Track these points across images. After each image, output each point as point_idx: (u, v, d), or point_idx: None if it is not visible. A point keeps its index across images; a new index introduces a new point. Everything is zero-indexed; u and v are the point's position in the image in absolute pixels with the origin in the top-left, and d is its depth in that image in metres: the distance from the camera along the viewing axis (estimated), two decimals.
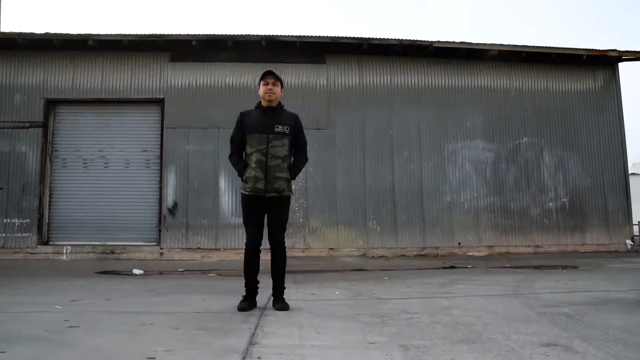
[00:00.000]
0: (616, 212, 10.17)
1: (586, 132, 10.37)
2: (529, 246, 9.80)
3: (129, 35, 9.37)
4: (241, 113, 4.21)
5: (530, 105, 10.31)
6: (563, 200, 10.09)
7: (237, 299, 4.05)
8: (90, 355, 2.60)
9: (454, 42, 9.82)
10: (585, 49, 10.12)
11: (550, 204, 10.05)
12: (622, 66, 11.64)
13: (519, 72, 10.38)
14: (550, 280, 5.81)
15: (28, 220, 9.24)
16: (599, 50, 10.20)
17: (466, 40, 9.95)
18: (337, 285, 5.67)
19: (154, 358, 2.51)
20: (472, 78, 10.26)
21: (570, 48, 10.14)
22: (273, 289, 4.11)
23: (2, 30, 9.99)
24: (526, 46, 10.02)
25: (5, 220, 9.21)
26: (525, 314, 3.66)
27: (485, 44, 9.90)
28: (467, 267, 7.68)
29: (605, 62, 10.51)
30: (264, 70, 4.17)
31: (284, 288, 4.14)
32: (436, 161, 9.93)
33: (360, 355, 2.60)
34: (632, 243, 10.06)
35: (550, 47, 10.10)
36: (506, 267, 7.57)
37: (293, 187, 4.26)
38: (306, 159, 4.30)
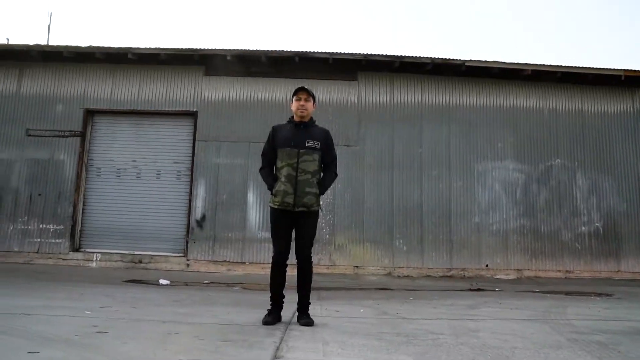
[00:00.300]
0: None
1: (622, 155, 10.07)
2: (559, 271, 9.51)
3: (167, 49, 9.65)
4: (273, 127, 4.27)
5: (563, 126, 10.11)
6: (597, 224, 9.78)
7: (261, 313, 4.07)
8: None
9: (486, 61, 9.75)
10: (624, 70, 9.87)
11: (583, 228, 9.75)
12: None
13: (552, 92, 10.20)
14: (582, 307, 5.63)
15: (62, 227, 9.51)
16: (638, 70, 9.93)
17: (499, 60, 9.82)
18: (362, 303, 5.63)
19: None
20: (504, 97, 10.14)
21: (607, 69, 9.92)
22: (298, 303, 4.11)
23: (50, 43, 10.41)
24: (561, 66, 9.85)
25: (41, 226, 9.50)
26: (556, 340, 3.55)
27: (519, 64, 9.79)
28: (495, 290, 7.50)
29: None
30: (296, 86, 4.23)
31: (309, 303, 4.14)
32: (465, 181, 9.80)
33: None
34: None
35: (586, 67, 9.90)
36: (535, 292, 7.37)
37: (321, 202, 4.27)
38: (336, 175, 4.32)
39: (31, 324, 3.56)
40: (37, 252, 9.36)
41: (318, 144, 4.09)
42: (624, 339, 3.62)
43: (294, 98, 4.17)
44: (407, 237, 9.52)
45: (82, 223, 9.72)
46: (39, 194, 9.60)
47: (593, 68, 9.92)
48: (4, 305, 4.41)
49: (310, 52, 9.63)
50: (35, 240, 9.44)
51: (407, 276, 9.26)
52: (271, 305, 4.07)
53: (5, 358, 2.57)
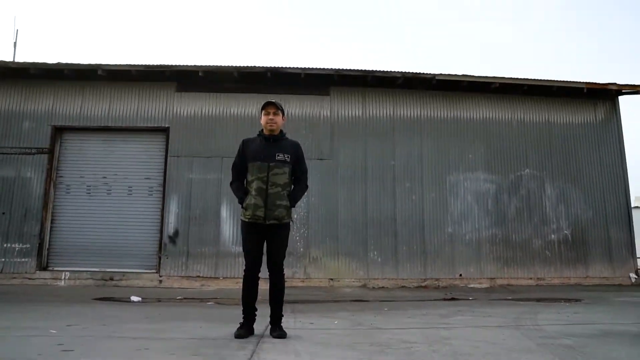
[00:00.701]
0: (619, 245, 10.09)
1: (588, 164, 10.40)
2: (531, 278, 9.69)
3: (137, 65, 9.57)
4: (243, 141, 4.27)
5: (532, 137, 10.39)
6: (565, 232, 10.03)
7: (234, 327, 4.02)
8: None
9: (456, 74, 9.97)
10: (586, 82, 10.25)
11: (553, 236, 9.99)
12: (622, 100, 11.79)
13: (520, 105, 10.50)
14: (552, 313, 5.74)
15: (28, 245, 9.23)
16: (599, 83, 10.33)
17: (468, 73, 10.07)
18: (336, 315, 5.61)
19: None
20: (474, 110, 10.38)
21: (570, 81, 10.28)
22: (271, 316, 4.08)
23: (16, 60, 10.21)
24: (527, 79, 10.16)
25: (5, 245, 9.21)
26: (526, 345, 3.61)
27: (487, 77, 10.05)
28: (469, 299, 7.58)
29: (605, 95, 10.63)
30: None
31: (282, 316, 4.11)
32: (438, 192, 9.94)
33: None
34: (636, 277, 9.94)
35: (551, 80, 10.24)
36: (508, 300, 7.48)
37: (294, 216, 4.27)
38: (306, 187, 4.33)
39: None
40: (0, 272, 9.05)
41: (288, 157, 4.10)
42: (590, 342, 3.70)
43: (263, 112, 4.18)
44: (381, 248, 9.57)
45: (49, 241, 9.45)
46: (3, 213, 9.32)
47: (557, 81, 10.26)
48: None
49: (282, 67, 9.69)
50: None
51: (382, 287, 9.28)
52: (243, 318, 4.03)
53: None
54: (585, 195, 10.24)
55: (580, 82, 10.27)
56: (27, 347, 3.36)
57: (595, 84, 10.31)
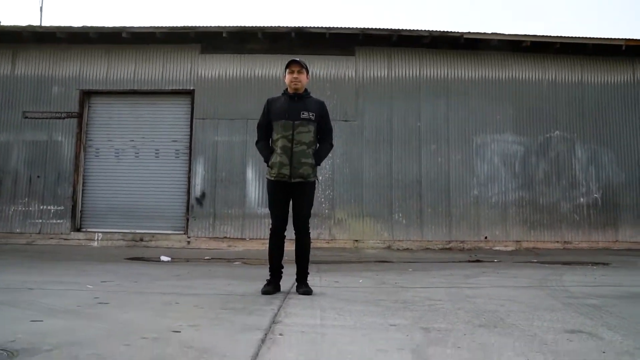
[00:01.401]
0: None
1: (623, 126, 10.03)
2: (557, 242, 9.57)
3: (162, 27, 9.54)
4: (268, 100, 4.26)
5: (563, 98, 10.04)
6: (595, 195, 9.81)
7: (261, 284, 4.12)
8: (119, 327, 2.70)
9: (485, 33, 9.63)
10: (625, 39, 9.74)
11: (582, 199, 9.78)
12: None
13: (551, 64, 10.12)
14: (579, 275, 5.69)
15: (62, 208, 9.56)
16: (639, 40, 9.81)
17: (497, 32, 9.71)
18: (361, 274, 5.69)
19: (179, 332, 2.59)
20: (503, 70, 10.06)
21: (608, 38, 9.79)
22: (297, 274, 4.16)
23: (43, 24, 10.30)
24: (560, 37, 9.73)
25: (41, 207, 9.55)
26: (551, 304, 3.60)
27: (517, 35, 9.68)
28: (494, 261, 7.57)
29: None
30: None
31: (308, 273, 4.19)
32: (464, 154, 9.79)
33: (381, 334, 2.62)
34: None
35: (586, 38, 9.78)
36: (533, 262, 7.43)
37: (319, 177, 4.28)
38: (332, 146, 4.32)
39: (34, 297, 3.62)
40: (38, 233, 9.43)
41: (313, 115, 4.08)
42: (617, 302, 3.67)
43: (287, 71, 4.15)
44: (406, 210, 9.56)
45: (82, 203, 9.76)
46: (38, 176, 9.63)
47: (593, 38, 9.81)
48: (8, 281, 4.47)
49: (306, 27, 9.53)
50: (37, 221, 9.50)
51: (407, 249, 9.33)
52: (270, 275, 4.13)
53: (9, 326, 2.62)
54: (618, 158, 9.93)
55: (618, 39, 9.79)
56: (67, 299, 3.53)
57: (636, 40, 9.79)
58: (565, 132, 9.96)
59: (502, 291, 4.35)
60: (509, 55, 10.05)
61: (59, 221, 9.52)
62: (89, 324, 2.78)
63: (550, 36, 9.75)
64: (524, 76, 10.09)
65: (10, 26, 9.78)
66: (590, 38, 9.80)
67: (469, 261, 7.65)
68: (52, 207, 9.57)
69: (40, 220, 9.50)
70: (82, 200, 9.76)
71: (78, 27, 9.57)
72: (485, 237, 9.54)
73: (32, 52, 10.00)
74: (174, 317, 3.01)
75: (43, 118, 9.80)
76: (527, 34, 9.75)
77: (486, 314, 3.19)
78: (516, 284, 4.84)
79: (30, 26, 9.69)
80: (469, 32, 9.56)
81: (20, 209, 9.55)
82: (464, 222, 9.57)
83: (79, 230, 9.62)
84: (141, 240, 9.37)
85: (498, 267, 6.64)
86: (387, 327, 2.79)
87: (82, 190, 9.79)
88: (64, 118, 9.80)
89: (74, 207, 9.57)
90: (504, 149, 9.85)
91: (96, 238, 9.43)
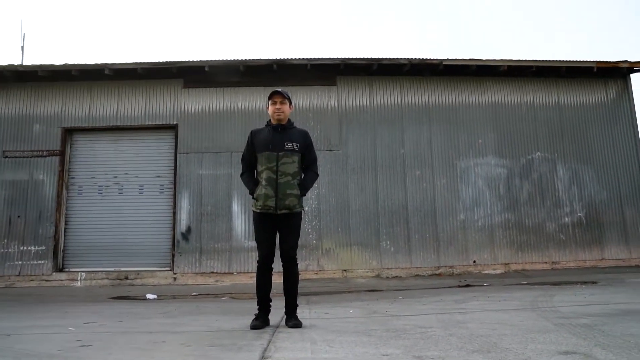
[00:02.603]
0: (635, 225, 9.95)
1: (600, 145, 10.25)
2: (545, 262, 9.61)
3: (143, 63, 9.59)
4: (252, 131, 4.25)
5: (542, 119, 10.26)
6: (579, 214, 9.92)
7: (250, 319, 4.03)
8: None
9: (463, 59, 9.87)
10: (596, 61, 10.08)
11: (566, 218, 9.88)
12: (635, 77, 11.60)
13: (529, 87, 10.37)
14: (569, 295, 5.69)
15: (44, 247, 9.34)
16: (609, 62, 10.15)
17: (475, 57, 9.96)
18: (351, 304, 5.61)
19: None
20: (482, 94, 10.27)
21: (580, 61, 10.12)
22: (286, 307, 4.08)
23: (24, 63, 10.29)
24: (535, 60, 10.01)
25: (22, 248, 9.33)
26: (543, 326, 3.58)
27: (494, 60, 9.93)
28: (484, 285, 7.55)
29: (616, 74, 10.46)
30: None
31: (297, 306, 4.12)
32: (449, 179, 9.87)
33: None
34: None
35: (559, 61, 10.09)
36: (523, 284, 7.43)
37: (306, 208, 4.26)
38: (317, 175, 4.31)
39: (10, 343, 3.47)
40: (18, 275, 9.18)
41: (297, 146, 4.08)
42: (608, 320, 3.66)
43: (270, 102, 4.16)
44: (394, 237, 9.54)
45: (64, 243, 9.56)
46: (18, 216, 9.44)
47: (566, 61, 10.11)
48: None
49: (288, 59, 9.66)
50: (17, 262, 9.26)
51: (396, 277, 9.26)
52: (258, 309, 4.04)
53: None
54: (598, 176, 10.11)
55: (590, 62, 10.11)
56: (48, 344, 3.40)
57: (606, 62, 10.14)
58: (546, 153, 10.13)
59: (493, 315, 4.31)
60: (487, 80, 10.30)
61: (40, 262, 9.29)
62: None
63: (526, 60, 10.03)
64: (503, 100, 10.31)
65: None
66: (563, 61, 10.10)
67: (459, 286, 7.61)
68: (32, 248, 9.35)
69: (20, 262, 9.26)
70: (64, 239, 9.57)
71: (60, 65, 9.57)
72: (474, 261, 9.53)
73: (13, 91, 9.96)
74: (161, 356, 2.91)
75: (24, 157, 9.68)
76: (504, 58, 10.01)
77: (479, 338, 3.15)
78: (507, 307, 4.81)
79: (11, 65, 9.65)
80: (448, 59, 9.78)
81: None
82: (452, 247, 9.57)
83: (61, 270, 9.39)
84: (126, 278, 9.17)
85: (488, 291, 6.61)
86: (379, 356, 2.73)
87: (65, 229, 9.60)
88: (45, 156, 9.69)
89: (55, 246, 9.37)
90: (488, 172, 9.96)
91: (79, 278, 9.20)
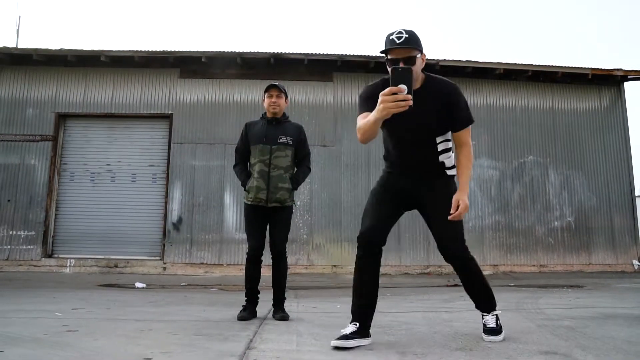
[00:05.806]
0: (623, 232, 10.07)
1: (592, 151, 10.35)
2: (534, 265, 9.70)
3: (140, 51, 9.55)
4: (246, 124, 4.27)
5: (535, 123, 10.34)
6: (568, 219, 10.02)
7: (237, 310, 4.05)
8: (88, 356, 2.61)
9: (459, 60, 9.91)
10: (591, 68, 10.17)
11: (556, 223, 9.98)
12: (628, 86, 11.70)
13: (524, 91, 10.44)
14: (554, 298, 5.75)
15: (33, 233, 9.31)
16: (604, 69, 10.24)
17: (472, 59, 10.00)
18: (339, 300, 5.64)
19: (151, 359, 2.52)
20: (477, 96, 10.32)
21: (575, 67, 10.20)
22: (273, 299, 4.10)
23: (19, 46, 10.21)
24: (532, 65, 10.08)
25: (11, 232, 9.29)
26: (526, 326, 3.63)
27: (491, 63, 9.98)
28: None
29: (611, 81, 10.55)
30: None
31: (285, 299, 4.14)
32: None
33: (357, 359, 2.59)
34: (639, 263, 9.93)
35: (555, 66, 10.15)
36: (510, 286, 7.49)
37: (297, 202, 4.28)
38: (309, 170, 4.32)
39: None
40: (6, 260, 9.14)
41: (291, 140, 4.10)
42: (591, 323, 3.71)
43: (266, 95, 4.17)
44: None
45: (54, 228, 9.53)
46: (8, 200, 9.39)
47: (562, 67, 10.18)
48: None
49: (285, 53, 9.65)
50: (5, 247, 9.21)
51: (385, 274, 9.30)
52: (246, 301, 4.06)
53: None
54: (589, 182, 10.21)
55: (585, 68, 10.19)
56: (34, 328, 3.40)
57: (601, 69, 10.23)
58: (539, 157, 10.21)
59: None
60: (483, 82, 10.34)
61: (29, 247, 9.25)
62: (55, 352, 2.68)
63: (522, 64, 10.09)
64: (497, 102, 10.36)
65: None
66: (559, 66, 10.17)
67: (447, 285, 7.67)
68: (22, 233, 9.30)
69: (9, 246, 9.22)
70: (54, 225, 9.53)
71: (56, 50, 9.51)
72: None
73: (7, 74, 9.88)
74: (146, 344, 2.92)
75: (16, 141, 9.62)
76: (500, 61, 10.06)
77: (463, 337, 3.19)
78: None
79: (5, 47, 9.58)
80: (444, 60, 9.81)
81: None
82: None
83: (50, 256, 9.36)
84: (115, 266, 9.15)
85: None
86: (364, 352, 2.77)
87: (55, 215, 9.56)
88: (37, 141, 9.64)
89: (45, 232, 9.33)
90: (480, 174, 10.02)
91: (68, 264, 9.18)
